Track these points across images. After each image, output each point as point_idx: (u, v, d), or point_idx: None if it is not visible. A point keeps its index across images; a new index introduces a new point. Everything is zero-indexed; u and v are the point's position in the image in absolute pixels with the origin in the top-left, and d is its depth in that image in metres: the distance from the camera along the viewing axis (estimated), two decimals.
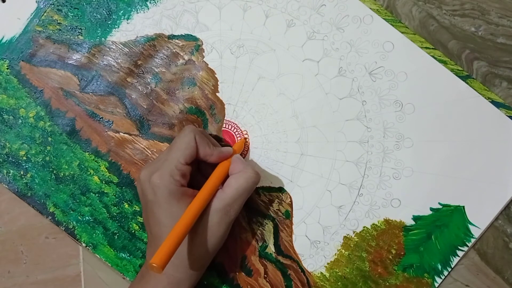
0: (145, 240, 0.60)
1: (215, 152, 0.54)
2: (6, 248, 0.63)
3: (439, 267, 0.58)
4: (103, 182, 0.61)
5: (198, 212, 0.49)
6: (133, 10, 0.61)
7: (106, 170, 0.61)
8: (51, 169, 0.61)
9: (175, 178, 0.51)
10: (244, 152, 0.60)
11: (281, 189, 0.60)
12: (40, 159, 0.61)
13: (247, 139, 0.60)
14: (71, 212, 0.61)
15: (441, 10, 0.59)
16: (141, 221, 0.60)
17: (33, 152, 0.61)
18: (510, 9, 0.58)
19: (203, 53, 0.61)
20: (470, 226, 0.58)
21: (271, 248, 0.60)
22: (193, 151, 0.52)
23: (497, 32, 0.58)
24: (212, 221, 0.51)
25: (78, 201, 0.61)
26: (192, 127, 0.54)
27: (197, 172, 0.56)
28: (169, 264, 0.50)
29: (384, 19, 0.58)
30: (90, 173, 0.61)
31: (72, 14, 0.61)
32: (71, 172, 0.61)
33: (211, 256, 0.54)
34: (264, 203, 0.60)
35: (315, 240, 0.59)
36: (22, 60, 0.61)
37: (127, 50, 0.61)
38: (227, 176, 0.54)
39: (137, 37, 0.61)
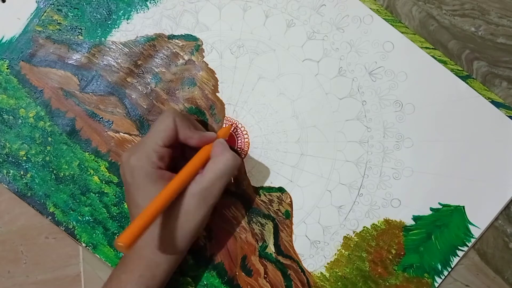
0: None
1: (195, 135, 0.53)
2: (6, 248, 0.63)
3: (439, 267, 0.58)
4: (103, 182, 0.61)
5: (172, 194, 0.49)
6: (133, 10, 0.61)
7: (106, 170, 0.61)
8: (51, 169, 0.61)
9: (152, 160, 0.51)
10: (244, 152, 0.60)
11: (281, 189, 0.60)
12: (40, 159, 0.61)
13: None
14: (71, 212, 0.61)
15: (441, 10, 0.59)
16: None
17: (33, 152, 0.61)
18: (510, 9, 0.58)
19: (203, 53, 0.60)
20: (470, 226, 0.58)
21: (271, 248, 0.60)
22: (172, 134, 0.52)
23: (497, 32, 0.58)
24: (189, 205, 0.51)
25: (78, 201, 0.61)
26: (172, 109, 0.53)
27: (182, 157, 0.56)
28: (146, 247, 0.50)
29: (384, 19, 0.58)
30: (90, 173, 0.61)
31: (72, 14, 0.61)
32: (71, 172, 0.61)
33: (189, 241, 0.53)
34: (264, 203, 0.60)
35: (315, 240, 0.59)
36: (22, 60, 0.61)
37: (127, 50, 0.61)
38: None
39: (137, 37, 0.61)
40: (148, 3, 0.61)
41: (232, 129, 0.60)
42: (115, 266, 0.60)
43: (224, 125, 0.60)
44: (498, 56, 0.58)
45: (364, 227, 0.59)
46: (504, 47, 0.58)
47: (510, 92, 0.58)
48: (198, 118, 0.60)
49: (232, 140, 0.60)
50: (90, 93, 0.61)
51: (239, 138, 0.60)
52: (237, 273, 0.60)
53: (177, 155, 0.55)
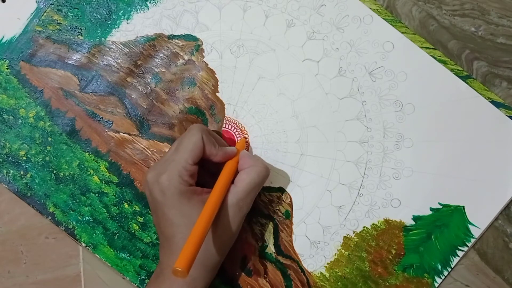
0: (145, 240, 0.60)
1: (220, 153, 0.54)
2: (6, 248, 0.63)
3: (439, 267, 0.58)
4: (103, 182, 0.61)
5: (214, 211, 0.49)
6: (133, 10, 0.61)
7: (106, 170, 0.61)
8: (51, 169, 0.61)
9: (184, 178, 0.51)
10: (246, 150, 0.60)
11: (281, 189, 0.60)
12: (40, 159, 0.61)
13: (247, 138, 0.60)
14: (71, 212, 0.61)
15: (441, 10, 0.59)
16: (141, 221, 0.60)
17: (33, 152, 0.61)
18: (510, 9, 0.58)
19: (203, 53, 0.61)
20: (470, 226, 0.58)
21: (271, 248, 0.60)
22: (201, 151, 0.52)
23: (497, 32, 0.58)
24: (226, 217, 0.51)
25: (78, 201, 0.61)
26: (199, 126, 0.54)
27: (201, 168, 0.56)
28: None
29: (384, 19, 0.58)
30: (90, 173, 0.61)
31: (72, 14, 0.61)
32: (71, 172, 0.61)
33: (225, 253, 0.54)
34: (264, 203, 0.60)
35: (315, 240, 0.59)
36: (22, 60, 0.61)
37: (127, 50, 0.61)
38: (236, 173, 0.54)
39: (137, 37, 0.61)
40: (148, 3, 0.61)
41: (232, 129, 0.60)
42: (116, 266, 0.60)
43: (224, 125, 0.60)
44: (498, 56, 0.58)
45: (364, 227, 0.59)
46: (504, 47, 0.58)
47: (510, 92, 0.58)
48: (198, 118, 0.60)
49: (232, 140, 0.60)
50: (90, 93, 0.61)
51: (239, 138, 0.60)
52: (237, 273, 0.60)
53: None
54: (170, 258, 0.52)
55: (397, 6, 0.59)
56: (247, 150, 0.60)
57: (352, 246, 0.59)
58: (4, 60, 0.61)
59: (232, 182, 0.53)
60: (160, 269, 0.53)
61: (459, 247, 0.58)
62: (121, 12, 0.61)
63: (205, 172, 0.56)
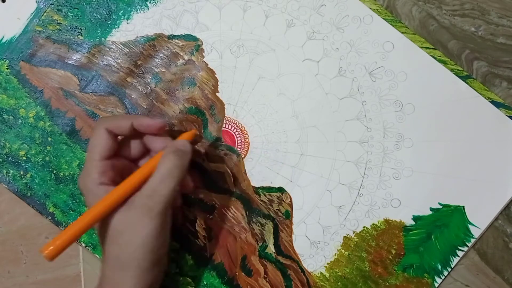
0: None
1: (144, 120, 0.51)
2: (6, 248, 0.63)
3: (439, 267, 0.58)
4: None
5: (105, 208, 0.47)
6: (133, 10, 0.61)
7: None
8: (51, 169, 0.61)
9: (92, 176, 0.49)
10: (244, 152, 0.60)
11: (281, 189, 0.60)
12: (40, 159, 0.61)
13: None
14: (71, 212, 0.61)
15: (441, 10, 0.59)
16: None
17: (33, 152, 0.61)
18: (510, 9, 0.58)
19: (203, 53, 0.61)
20: (470, 226, 0.58)
21: (271, 248, 0.60)
22: (108, 144, 0.50)
23: (497, 32, 0.58)
24: (132, 218, 0.48)
25: (78, 201, 0.61)
26: (100, 120, 0.51)
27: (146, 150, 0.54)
28: (105, 266, 0.48)
29: (384, 19, 0.58)
30: None
31: (72, 14, 0.61)
32: (71, 172, 0.61)
33: (146, 256, 0.48)
34: (264, 203, 0.60)
35: (315, 240, 0.59)
36: (22, 60, 0.61)
37: (127, 50, 0.61)
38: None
39: (137, 37, 0.61)
40: (148, 3, 0.61)
41: (232, 130, 0.60)
42: None
43: (224, 125, 0.60)
44: (498, 56, 0.58)
45: (364, 227, 0.59)
46: (504, 47, 0.58)
47: (510, 92, 0.58)
48: (198, 118, 0.60)
49: (232, 140, 0.60)
50: (90, 93, 0.61)
51: (239, 138, 0.60)
52: (237, 273, 0.60)
53: (131, 164, 0.53)
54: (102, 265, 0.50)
55: (397, 6, 0.59)
56: (247, 151, 0.60)
57: (352, 246, 0.59)
58: (4, 60, 0.61)
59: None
60: (103, 275, 0.50)
61: (459, 247, 0.58)
62: (121, 12, 0.61)
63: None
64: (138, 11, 0.61)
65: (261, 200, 0.60)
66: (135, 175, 0.49)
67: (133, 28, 0.61)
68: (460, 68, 0.58)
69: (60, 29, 0.61)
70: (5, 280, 0.62)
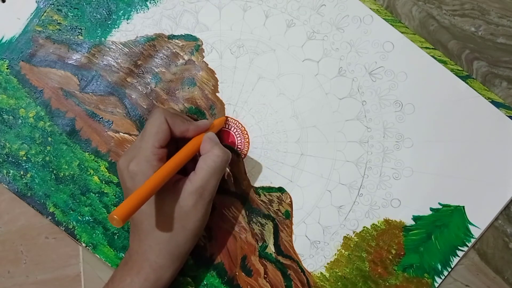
0: None
1: (191, 127, 0.54)
2: (6, 248, 0.63)
3: (439, 267, 0.58)
4: (103, 182, 0.61)
5: (166, 173, 0.49)
6: (133, 10, 0.61)
7: (106, 170, 0.61)
8: (51, 169, 0.61)
9: (152, 163, 0.51)
10: (244, 152, 0.60)
11: (281, 189, 0.60)
12: (40, 159, 0.61)
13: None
14: (71, 212, 0.61)
15: (441, 10, 0.59)
16: None
17: (33, 152, 0.61)
18: (510, 9, 0.58)
19: (203, 53, 0.60)
20: (470, 226, 0.58)
21: (271, 248, 0.60)
22: (166, 134, 0.52)
23: (497, 32, 0.58)
24: (187, 205, 0.51)
25: (78, 201, 0.61)
26: (160, 109, 0.53)
27: (175, 151, 0.55)
28: (151, 250, 0.50)
29: (384, 19, 0.58)
30: (90, 173, 0.61)
31: (72, 14, 0.61)
32: (71, 172, 0.61)
33: (192, 241, 0.54)
34: (264, 203, 0.60)
35: (315, 240, 0.59)
36: (22, 60, 0.61)
37: (127, 50, 0.61)
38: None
39: (137, 37, 0.61)
40: (148, 3, 0.61)
41: (229, 127, 0.60)
42: (116, 266, 0.60)
43: (224, 125, 0.60)
44: (498, 56, 0.58)
45: (364, 227, 0.59)
46: (504, 47, 0.58)
47: (510, 92, 0.58)
48: (198, 118, 0.60)
49: (231, 140, 0.60)
50: (90, 93, 0.61)
51: (239, 138, 0.60)
52: (237, 273, 0.60)
53: (172, 153, 0.55)
54: (139, 245, 0.52)
55: (397, 6, 0.59)
56: (247, 151, 0.60)
57: (352, 246, 0.59)
58: (4, 60, 0.61)
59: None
60: (129, 255, 0.54)
61: (459, 247, 0.58)
62: (121, 12, 0.61)
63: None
64: (138, 11, 0.61)
65: (261, 200, 0.60)
66: (185, 150, 0.52)
67: (133, 28, 0.61)
68: (460, 68, 0.58)
69: (60, 29, 0.61)
70: (5, 280, 0.62)
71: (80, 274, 0.62)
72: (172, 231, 0.52)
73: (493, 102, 0.57)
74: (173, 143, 0.54)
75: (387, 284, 0.59)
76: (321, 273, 0.59)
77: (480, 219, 0.58)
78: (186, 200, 0.51)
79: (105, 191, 0.61)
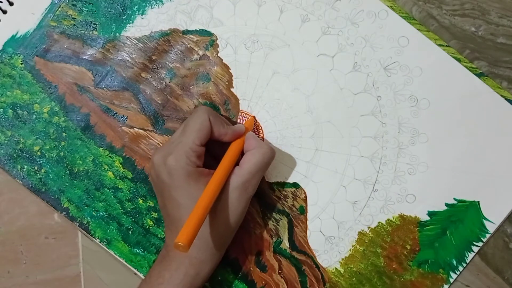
0: (159, 235, 0.60)
1: (229, 131, 0.54)
2: (6, 248, 0.62)
3: (454, 262, 0.59)
4: (118, 178, 0.60)
5: (217, 189, 0.49)
6: (148, 5, 0.61)
7: (121, 166, 0.60)
8: (65, 165, 0.60)
9: (191, 159, 0.51)
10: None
11: (295, 185, 0.60)
12: (54, 155, 0.60)
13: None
14: (85, 207, 0.60)
15: (441, 10, 0.59)
16: (155, 216, 0.60)
17: (47, 147, 0.60)
18: (510, 9, 0.59)
19: (218, 48, 0.61)
20: (485, 221, 0.58)
21: (285, 244, 0.60)
22: (208, 132, 0.52)
23: (497, 32, 0.59)
24: (231, 198, 0.52)
25: (92, 196, 0.60)
26: (205, 108, 0.54)
27: (206, 151, 0.56)
28: (192, 246, 0.50)
29: (398, 15, 0.58)
30: (104, 168, 0.60)
31: (86, 9, 0.61)
32: (85, 168, 0.60)
33: (231, 234, 0.55)
34: (278, 199, 0.60)
35: (330, 236, 0.59)
36: (36, 55, 0.61)
37: (142, 46, 0.61)
38: (241, 155, 0.55)
39: (151, 32, 0.61)
40: None
41: (242, 122, 0.60)
42: (130, 262, 0.60)
43: (238, 120, 0.60)
44: (498, 56, 0.59)
45: (379, 222, 0.59)
46: (504, 47, 0.59)
47: (510, 92, 0.58)
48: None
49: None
50: (105, 89, 0.61)
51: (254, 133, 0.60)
52: (251, 269, 0.60)
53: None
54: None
55: None
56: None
57: (367, 241, 0.59)
58: (19, 55, 0.61)
59: (238, 163, 0.53)
60: (166, 251, 0.54)
61: (474, 243, 0.58)
62: (136, 7, 0.61)
63: (211, 156, 0.56)
64: (152, 6, 0.61)
65: (276, 196, 0.60)
66: (229, 157, 0.53)
67: (147, 23, 0.61)
68: (473, 66, 0.58)
69: (74, 24, 0.61)
70: (5, 280, 0.62)
71: (80, 274, 0.62)
72: (215, 225, 0.52)
73: (507, 100, 0.58)
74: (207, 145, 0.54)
75: (402, 279, 0.59)
76: (336, 268, 0.59)
77: (495, 214, 0.58)
78: (231, 194, 0.52)
79: (119, 187, 0.60)
